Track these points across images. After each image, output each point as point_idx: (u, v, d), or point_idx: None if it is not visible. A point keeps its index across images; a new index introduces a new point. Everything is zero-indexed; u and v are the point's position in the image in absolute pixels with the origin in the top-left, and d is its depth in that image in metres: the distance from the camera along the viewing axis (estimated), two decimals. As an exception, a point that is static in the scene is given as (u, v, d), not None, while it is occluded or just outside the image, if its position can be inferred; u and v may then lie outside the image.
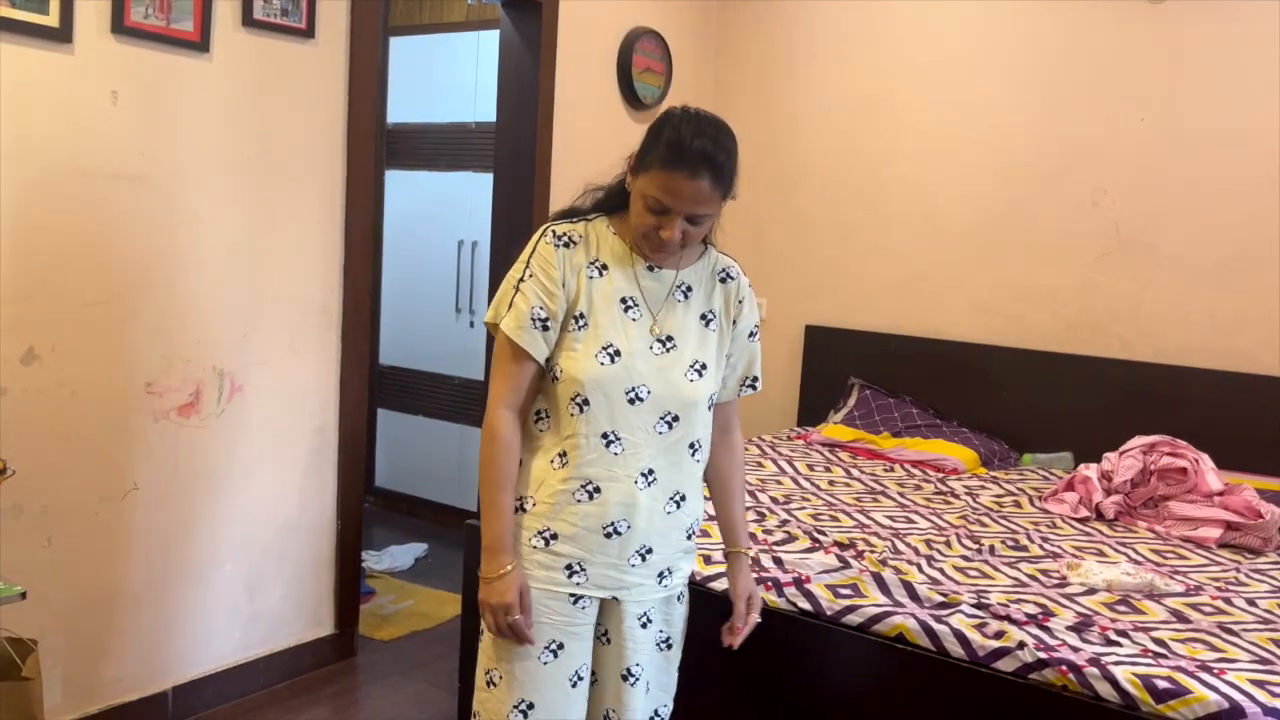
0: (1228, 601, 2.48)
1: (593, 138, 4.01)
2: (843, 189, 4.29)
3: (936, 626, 2.19)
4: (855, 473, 3.56)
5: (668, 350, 1.76)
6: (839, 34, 4.30)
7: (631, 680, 1.81)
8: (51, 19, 2.40)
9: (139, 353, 2.68)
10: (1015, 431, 3.92)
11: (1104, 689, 1.98)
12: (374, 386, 4.90)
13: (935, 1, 4.06)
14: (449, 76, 4.66)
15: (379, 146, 4.71)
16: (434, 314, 4.74)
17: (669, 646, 1.89)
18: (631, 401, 1.73)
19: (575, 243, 1.75)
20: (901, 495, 3.31)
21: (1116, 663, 2.02)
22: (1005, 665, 2.09)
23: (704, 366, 1.80)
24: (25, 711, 2.14)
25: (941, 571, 2.56)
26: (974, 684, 2.11)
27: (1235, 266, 3.53)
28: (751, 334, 1.91)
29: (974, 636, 2.15)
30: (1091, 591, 2.47)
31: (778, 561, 2.50)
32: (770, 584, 2.36)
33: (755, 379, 1.94)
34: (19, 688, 2.15)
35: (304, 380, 3.09)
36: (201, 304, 2.80)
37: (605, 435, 1.72)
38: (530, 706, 1.74)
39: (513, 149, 3.86)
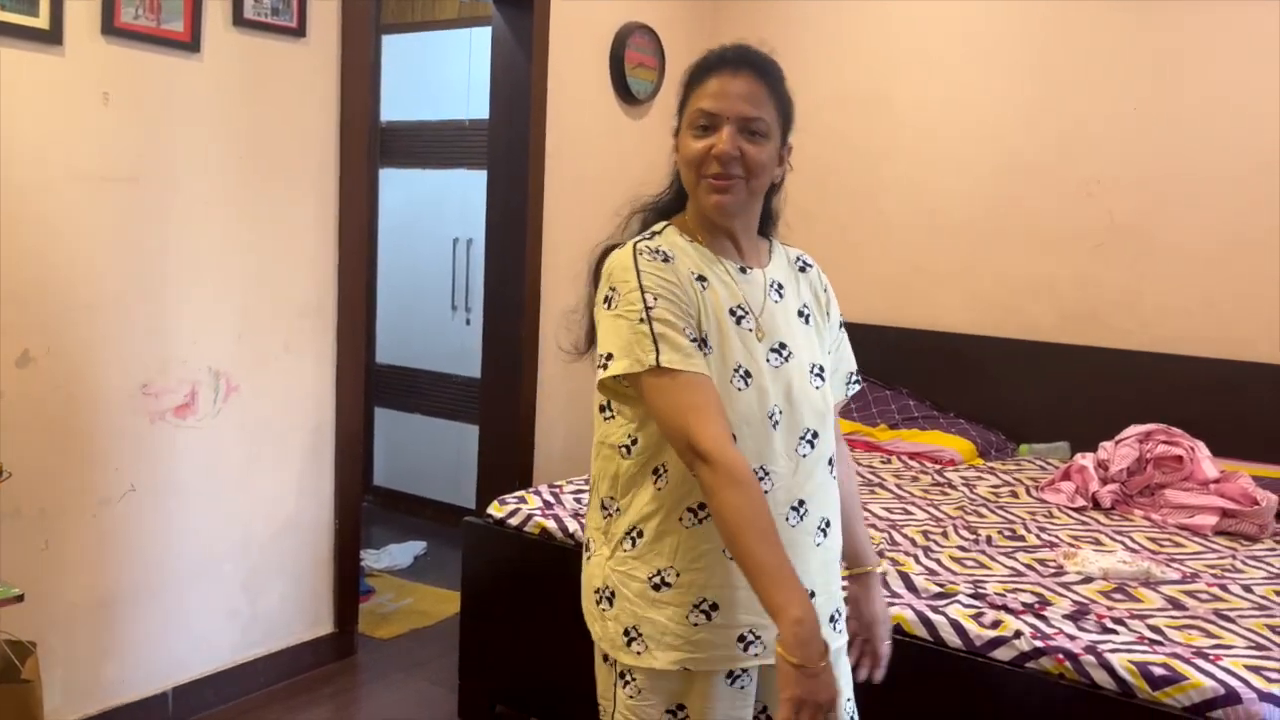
0: (1224, 588, 2.48)
1: (587, 134, 4.01)
2: (839, 184, 4.28)
3: (933, 617, 2.20)
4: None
5: (785, 360, 1.52)
6: (833, 28, 4.29)
7: None
8: (41, 21, 2.40)
9: (134, 354, 2.68)
10: (1012, 422, 3.92)
11: (1100, 676, 1.99)
12: (371, 385, 4.90)
13: (927, -7, 4.06)
14: (442, 74, 4.66)
15: (372, 145, 4.71)
16: (430, 312, 4.74)
17: (849, 706, 1.62)
18: (775, 425, 1.48)
19: (671, 257, 1.48)
20: (899, 487, 3.31)
21: (1113, 650, 2.03)
22: (1002, 654, 2.10)
23: (821, 369, 1.58)
24: (26, 714, 2.15)
25: (938, 562, 2.57)
26: (971, 673, 2.12)
27: (1232, 254, 3.53)
28: (842, 324, 1.71)
29: (970, 626, 2.15)
30: (1088, 580, 2.48)
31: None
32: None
33: (853, 374, 1.72)
34: (19, 690, 2.15)
35: (300, 380, 3.09)
36: (196, 305, 2.80)
37: (754, 472, 1.41)
38: None
39: (506, 146, 3.86)
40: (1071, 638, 2.09)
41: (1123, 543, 2.84)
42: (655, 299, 1.42)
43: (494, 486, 3.74)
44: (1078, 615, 2.22)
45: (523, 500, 2.87)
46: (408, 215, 4.82)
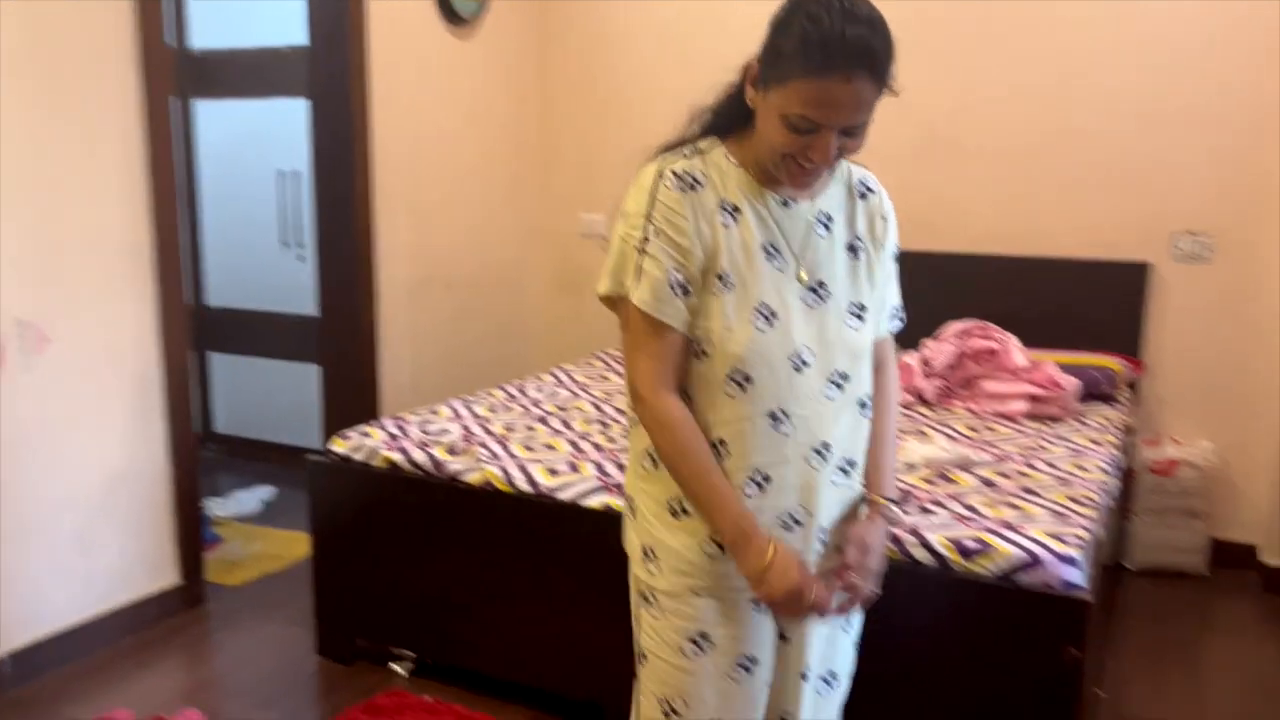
0: (1031, 466, 2.70)
1: (413, 58, 3.89)
2: (681, 101, 4.29)
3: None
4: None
5: (822, 299, 1.47)
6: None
7: (808, 678, 1.58)
8: None
9: (-74, 308, 2.49)
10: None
11: (920, 554, 2.14)
12: (202, 329, 4.70)
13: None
14: (254, -2, 4.41)
15: (181, 79, 4.45)
16: (260, 250, 4.55)
17: (849, 626, 1.65)
18: (797, 369, 1.45)
19: (700, 183, 1.43)
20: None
21: (930, 529, 2.19)
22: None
23: (862, 307, 1.52)
24: None
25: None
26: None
27: (1035, 158, 3.73)
28: (896, 256, 1.61)
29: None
30: (911, 469, 2.64)
31: (621, 467, 2.58)
32: (615, 488, 2.43)
33: (898, 308, 1.64)
34: None
35: (120, 326, 2.94)
36: (-7, 252, 2.61)
37: (773, 415, 1.44)
38: None
39: (328, 73, 3.70)
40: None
41: (945, 433, 3.03)
42: (656, 234, 1.41)
43: (339, 426, 3.66)
44: (900, 501, 2.37)
45: (366, 434, 2.83)
46: (229, 149, 4.58)
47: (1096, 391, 3.39)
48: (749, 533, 1.43)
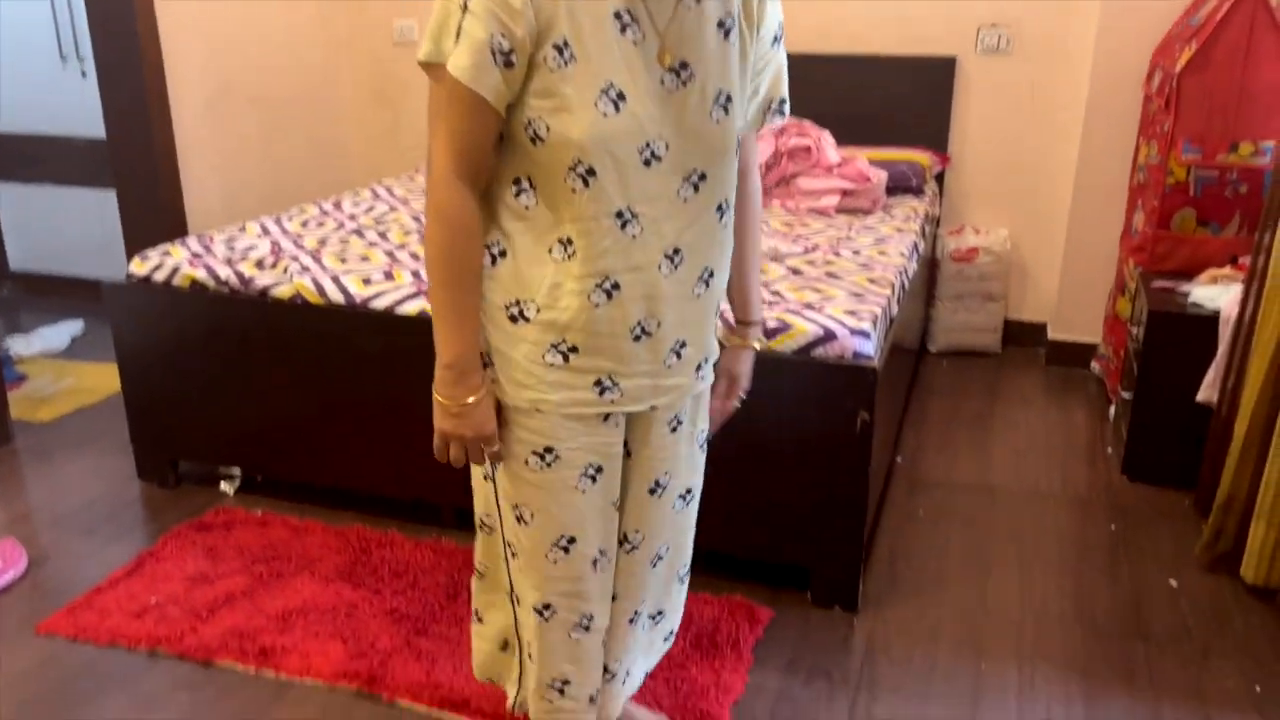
0: (837, 254, 2.82)
1: None
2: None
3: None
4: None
5: (684, 83, 1.28)
6: None
7: (659, 492, 1.52)
8: None
9: None
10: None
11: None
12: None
13: None
14: None
15: None
16: (37, 65, 4.15)
17: (701, 436, 1.58)
18: (647, 162, 1.28)
19: None
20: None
21: (736, 313, 2.28)
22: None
23: (729, 98, 1.32)
24: None
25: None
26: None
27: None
28: (776, 39, 1.41)
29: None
30: (724, 261, 2.72)
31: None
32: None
33: (782, 101, 1.45)
34: None
35: None
36: None
37: (620, 214, 1.28)
38: (572, 541, 1.45)
39: None
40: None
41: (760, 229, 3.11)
42: None
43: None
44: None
45: (167, 253, 2.70)
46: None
47: (904, 184, 3.54)
48: (473, 366, 1.34)
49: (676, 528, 1.60)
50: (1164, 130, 2.93)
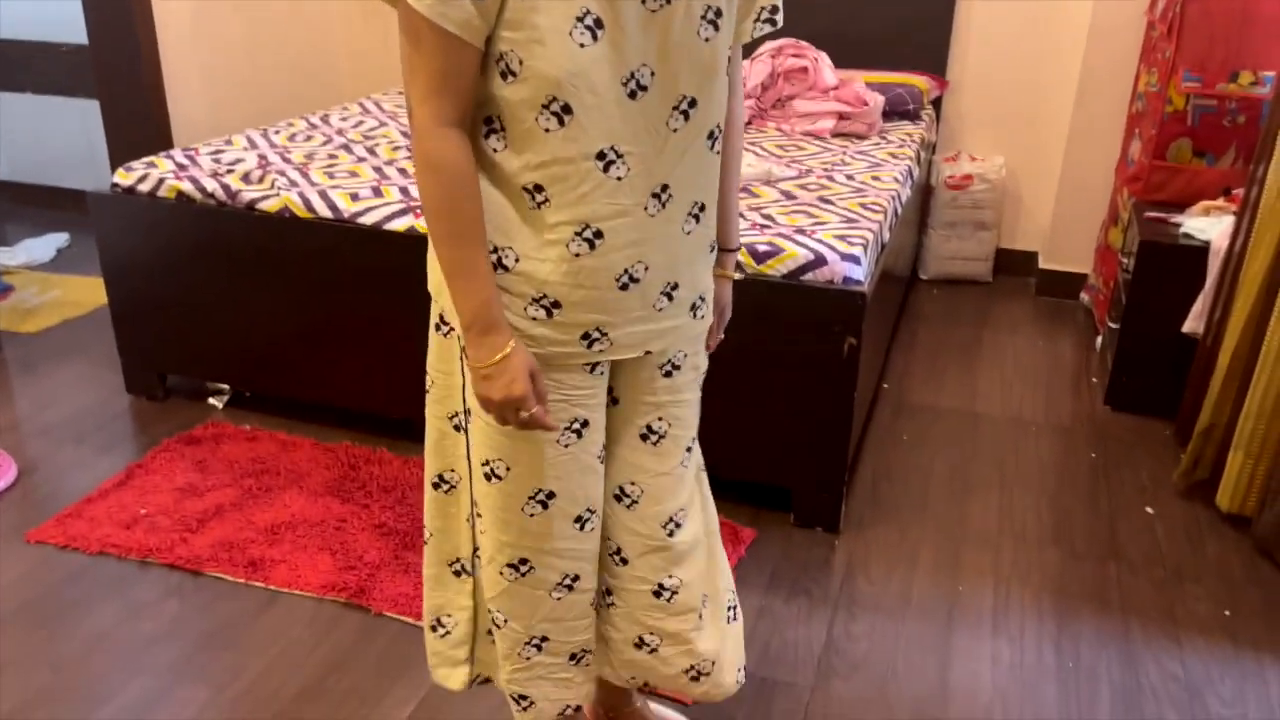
0: (830, 179, 2.80)
1: None
2: None
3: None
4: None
5: (667, 1, 1.16)
6: None
7: (652, 439, 1.40)
8: None
9: None
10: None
11: (716, 259, 2.23)
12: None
13: None
14: None
15: None
16: (15, -31, 4.03)
17: (697, 376, 1.46)
18: (632, 94, 1.17)
19: None
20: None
21: (726, 235, 2.26)
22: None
23: (718, 12, 1.20)
24: None
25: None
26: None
27: None
28: None
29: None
30: (716, 183, 2.70)
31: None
32: (419, 210, 2.40)
33: (775, 9, 1.33)
34: None
35: None
36: None
37: (602, 155, 1.18)
38: (551, 496, 1.35)
39: None
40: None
41: (754, 152, 3.08)
42: None
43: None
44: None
45: (152, 165, 2.66)
46: None
47: (902, 109, 3.49)
48: (492, 323, 1.21)
49: (682, 484, 1.44)
50: (1165, 57, 2.89)
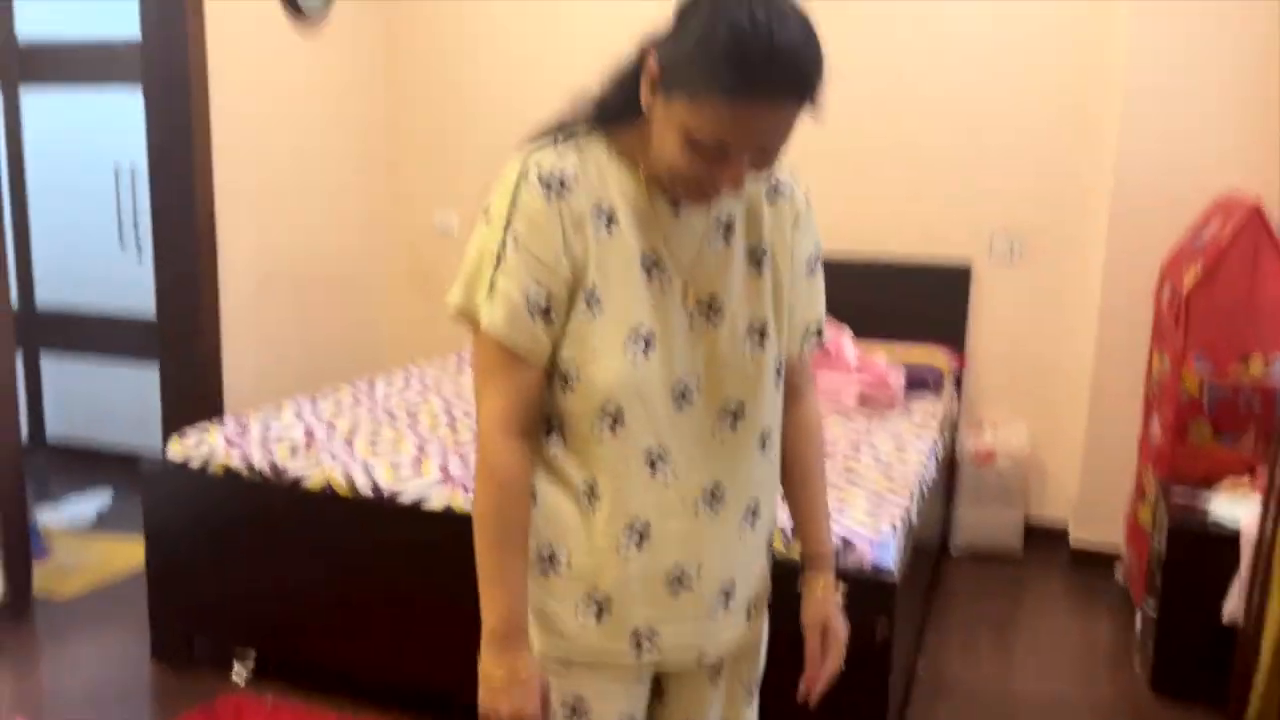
0: (857, 453, 2.86)
1: (254, 53, 3.81)
2: (534, 96, 4.32)
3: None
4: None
5: (713, 319, 1.26)
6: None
7: None
8: None
9: None
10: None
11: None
12: (31, 330, 4.49)
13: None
14: (84, -15, 4.24)
15: (9, 67, 4.25)
16: (97, 248, 4.38)
17: (749, 694, 1.45)
18: (679, 401, 1.25)
19: (569, 186, 1.20)
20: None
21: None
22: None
23: (764, 326, 1.29)
24: None
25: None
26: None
27: (866, 161, 3.94)
28: (811, 266, 1.38)
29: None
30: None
31: (465, 461, 2.61)
32: (458, 485, 2.47)
33: (821, 327, 1.40)
34: None
35: (-67, 328, 2.80)
36: None
37: (650, 457, 1.24)
38: None
39: (163, 66, 3.59)
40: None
41: (780, 425, 3.17)
42: (515, 245, 1.18)
43: (180, 427, 3.59)
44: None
45: (205, 436, 2.78)
46: (61, 141, 4.39)
47: (922, 384, 3.61)
48: (516, 635, 1.23)
49: None
50: (1175, 343, 3.01)
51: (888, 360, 3.56)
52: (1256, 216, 2.90)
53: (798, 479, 1.43)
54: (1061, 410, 3.83)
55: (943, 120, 3.84)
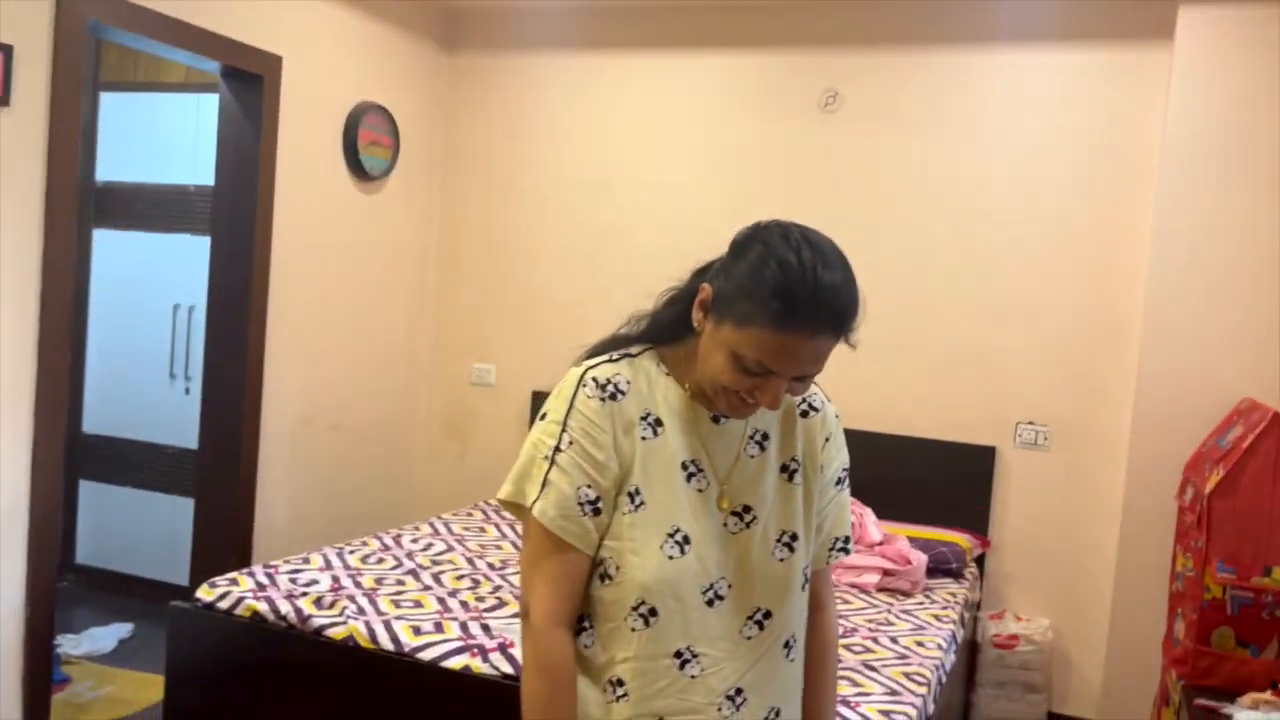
0: (875, 641, 2.86)
1: (318, 208, 4.05)
2: (569, 260, 4.52)
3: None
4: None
5: (746, 525, 1.35)
6: (566, 113, 4.56)
7: None
8: None
9: None
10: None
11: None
12: (76, 457, 4.62)
13: (647, 95, 4.42)
14: (167, 137, 4.54)
15: (84, 210, 4.52)
16: (147, 380, 4.55)
17: None
18: (710, 603, 1.32)
19: (623, 392, 1.32)
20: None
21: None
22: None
23: (794, 537, 1.38)
24: None
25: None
26: None
27: (893, 346, 4.05)
28: (840, 480, 1.48)
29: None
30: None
31: (485, 628, 2.65)
32: (476, 650, 2.50)
33: (847, 540, 1.49)
34: None
35: (-11, 459, 2.92)
36: None
37: (679, 654, 1.30)
38: None
39: (231, 214, 3.83)
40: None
41: (800, 602, 3.18)
42: (570, 443, 1.30)
43: (208, 562, 3.65)
44: None
45: (234, 583, 2.84)
46: (126, 279, 4.62)
47: (944, 566, 3.62)
48: None
49: None
50: (1197, 546, 3.02)
51: (910, 542, 3.58)
52: (1277, 425, 2.95)
53: (810, 691, 1.47)
54: (1087, 603, 3.80)
55: (968, 311, 3.96)
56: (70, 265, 3.10)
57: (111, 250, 4.64)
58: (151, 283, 4.55)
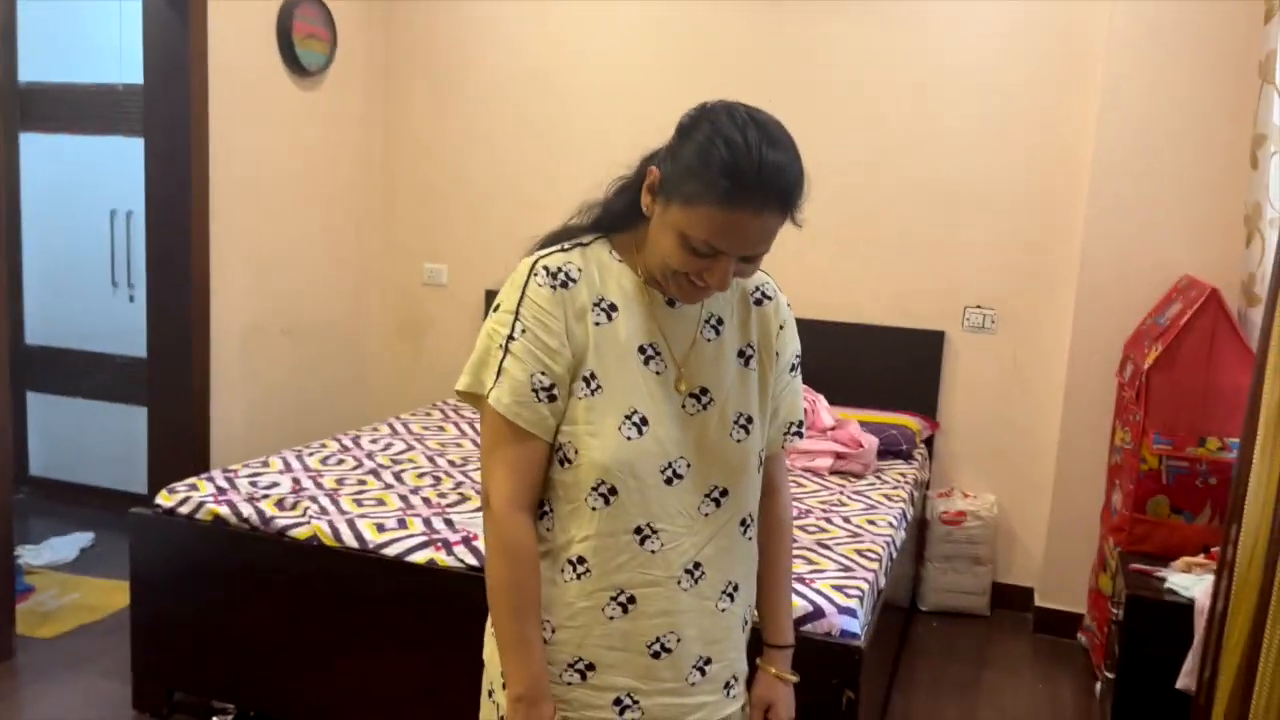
0: (829, 521, 2.96)
1: (256, 106, 3.92)
2: (518, 156, 4.45)
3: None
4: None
5: (704, 407, 1.39)
6: (507, 3, 4.43)
7: None
8: None
9: None
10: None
11: (720, 606, 2.34)
12: (20, 368, 4.53)
13: (590, -19, 4.29)
14: (91, 33, 4.33)
15: (8, 111, 4.33)
16: (88, 289, 4.45)
17: None
18: (669, 481, 1.36)
19: (574, 280, 1.34)
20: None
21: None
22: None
23: (750, 419, 1.42)
24: None
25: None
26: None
27: (844, 233, 4.07)
28: (793, 367, 1.52)
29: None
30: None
31: (448, 522, 2.69)
32: (440, 544, 2.54)
33: (800, 424, 1.54)
34: None
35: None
36: None
37: (639, 530, 1.35)
38: None
39: (164, 115, 3.69)
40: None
41: (756, 487, 3.26)
42: (523, 331, 1.32)
43: (166, 470, 3.64)
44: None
45: (194, 488, 2.85)
46: (58, 185, 4.47)
47: (895, 449, 3.72)
48: (541, 695, 1.34)
49: None
50: (1136, 419, 3.13)
51: (861, 426, 3.67)
52: (1214, 302, 3.04)
53: (765, 569, 1.53)
54: (1030, 478, 3.94)
55: (917, 197, 3.97)
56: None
57: (41, 155, 4.47)
58: (86, 188, 4.40)
